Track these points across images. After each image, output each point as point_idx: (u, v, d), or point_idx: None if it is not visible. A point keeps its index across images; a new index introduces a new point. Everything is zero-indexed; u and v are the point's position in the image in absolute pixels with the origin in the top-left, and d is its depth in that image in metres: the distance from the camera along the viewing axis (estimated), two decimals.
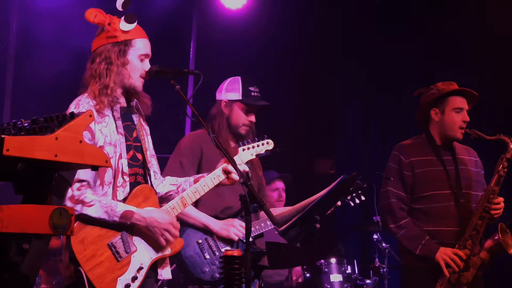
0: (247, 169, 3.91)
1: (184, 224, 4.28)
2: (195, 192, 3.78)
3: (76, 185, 3.43)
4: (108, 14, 3.66)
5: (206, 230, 4.37)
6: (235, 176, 3.77)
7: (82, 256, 3.38)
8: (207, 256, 4.31)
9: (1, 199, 2.32)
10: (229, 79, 4.67)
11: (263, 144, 4.21)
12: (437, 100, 4.83)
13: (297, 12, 8.23)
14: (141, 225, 3.55)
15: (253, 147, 4.15)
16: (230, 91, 4.59)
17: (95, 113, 3.53)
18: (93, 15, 3.60)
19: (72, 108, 3.58)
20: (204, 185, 3.80)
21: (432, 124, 4.88)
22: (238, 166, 3.73)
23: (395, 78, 7.92)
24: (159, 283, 4.24)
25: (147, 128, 3.88)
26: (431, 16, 7.87)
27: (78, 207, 3.39)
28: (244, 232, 4.23)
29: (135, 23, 3.68)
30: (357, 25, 8.21)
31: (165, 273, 3.76)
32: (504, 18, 7.10)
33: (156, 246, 3.64)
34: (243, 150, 4.10)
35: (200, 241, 4.35)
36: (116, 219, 3.47)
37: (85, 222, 3.42)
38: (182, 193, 3.79)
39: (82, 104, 3.58)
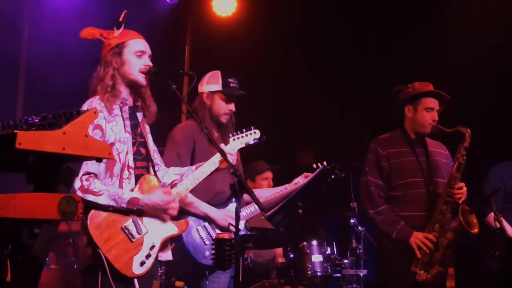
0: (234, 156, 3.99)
1: (186, 213, 4.28)
2: (195, 178, 3.88)
3: (85, 176, 3.46)
4: (106, 30, 3.73)
5: (205, 218, 4.37)
6: (230, 157, 3.89)
7: (99, 239, 3.41)
8: (207, 242, 4.31)
9: (14, 188, 2.32)
10: (209, 73, 4.64)
11: (251, 134, 4.30)
12: (412, 99, 4.87)
13: (281, 17, 8.23)
14: (145, 209, 3.59)
15: (242, 136, 4.26)
16: (210, 83, 4.58)
17: (106, 113, 3.59)
18: (85, 32, 3.70)
19: (85, 107, 3.60)
20: (203, 172, 3.90)
21: (406, 119, 4.93)
22: (229, 156, 3.85)
23: (374, 76, 7.92)
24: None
25: (147, 127, 3.90)
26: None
27: (89, 197, 3.43)
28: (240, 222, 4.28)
29: (122, 28, 3.73)
30: (341, 27, 8.19)
31: (166, 255, 3.80)
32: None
33: (164, 226, 3.69)
34: (233, 140, 4.17)
35: (200, 228, 4.34)
36: (124, 205, 3.50)
37: (99, 209, 3.46)
38: (184, 180, 3.88)
39: (94, 104, 3.60)
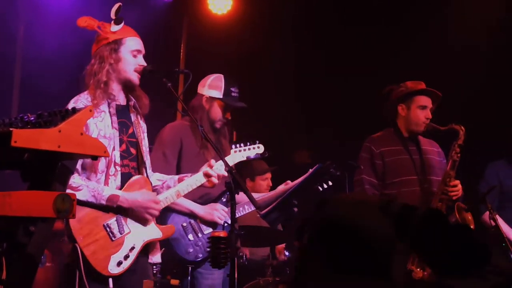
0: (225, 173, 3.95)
1: (171, 210, 4.29)
2: (183, 190, 3.85)
3: None
4: (101, 21, 3.69)
5: (190, 215, 4.38)
6: (214, 180, 3.88)
7: (78, 234, 3.39)
8: (191, 238, 4.32)
9: (10, 186, 2.32)
10: (212, 76, 4.61)
11: (254, 148, 4.34)
12: (405, 97, 4.88)
13: (277, 15, 8.24)
14: (125, 206, 3.55)
15: (245, 150, 4.24)
16: (212, 88, 4.55)
17: None
18: (83, 21, 3.65)
19: (71, 103, 3.58)
20: (188, 185, 3.87)
21: (399, 118, 4.93)
22: (223, 168, 3.85)
23: (371, 76, 7.93)
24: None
25: (144, 126, 3.87)
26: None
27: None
28: (226, 215, 4.30)
29: (122, 24, 3.70)
30: (337, 25, 8.19)
31: (156, 258, 3.79)
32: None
33: (148, 229, 3.66)
34: (235, 151, 4.12)
35: (184, 224, 4.35)
36: (103, 202, 3.47)
37: (81, 204, 3.41)
38: (177, 187, 3.84)
39: (80, 100, 3.59)
